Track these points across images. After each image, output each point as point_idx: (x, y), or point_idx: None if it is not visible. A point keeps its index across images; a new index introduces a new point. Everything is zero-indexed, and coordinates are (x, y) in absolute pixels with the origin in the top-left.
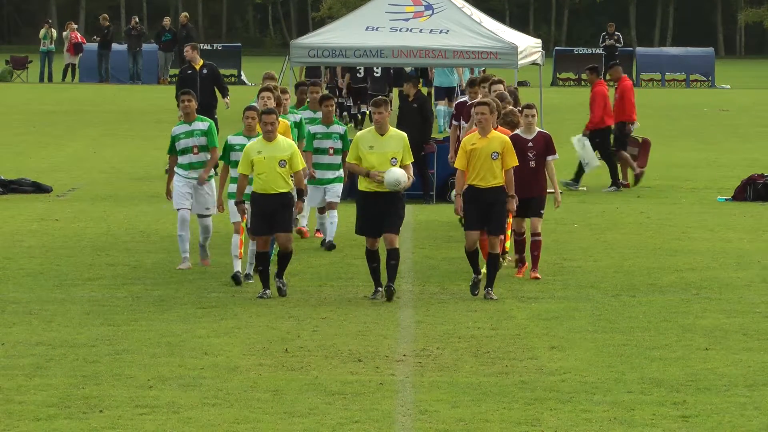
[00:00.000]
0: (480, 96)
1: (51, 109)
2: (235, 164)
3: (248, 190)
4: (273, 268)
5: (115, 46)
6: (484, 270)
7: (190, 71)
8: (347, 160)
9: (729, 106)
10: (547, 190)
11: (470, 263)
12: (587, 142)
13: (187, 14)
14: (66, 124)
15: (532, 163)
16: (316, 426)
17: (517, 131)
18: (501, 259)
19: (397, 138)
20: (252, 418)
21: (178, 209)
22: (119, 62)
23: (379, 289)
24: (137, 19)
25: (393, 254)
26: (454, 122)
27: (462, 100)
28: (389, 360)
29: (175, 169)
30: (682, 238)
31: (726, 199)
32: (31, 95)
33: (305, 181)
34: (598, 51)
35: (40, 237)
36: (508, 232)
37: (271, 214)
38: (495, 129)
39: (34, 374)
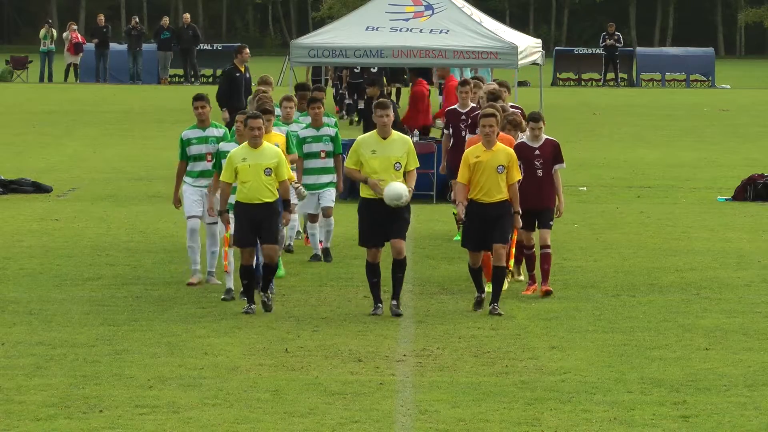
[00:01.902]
0: (460, 99)
1: (51, 109)
2: None
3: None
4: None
5: (115, 45)
6: (488, 289)
7: (238, 74)
8: (346, 164)
9: (729, 106)
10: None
11: (474, 280)
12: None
13: (188, 15)
14: (66, 124)
15: (540, 172)
16: (317, 426)
17: (523, 139)
18: (506, 275)
19: (401, 142)
20: (252, 418)
21: (189, 217)
22: (119, 62)
23: (380, 305)
24: (137, 19)
25: (400, 265)
26: (445, 131)
27: (452, 107)
28: (389, 360)
29: (184, 177)
30: (682, 238)
31: (726, 199)
32: (31, 95)
33: (303, 191)
34: (598, 51)
35: (40, 237)
36: (512, 250)
37: (257, 224)
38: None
39: (34, 374)
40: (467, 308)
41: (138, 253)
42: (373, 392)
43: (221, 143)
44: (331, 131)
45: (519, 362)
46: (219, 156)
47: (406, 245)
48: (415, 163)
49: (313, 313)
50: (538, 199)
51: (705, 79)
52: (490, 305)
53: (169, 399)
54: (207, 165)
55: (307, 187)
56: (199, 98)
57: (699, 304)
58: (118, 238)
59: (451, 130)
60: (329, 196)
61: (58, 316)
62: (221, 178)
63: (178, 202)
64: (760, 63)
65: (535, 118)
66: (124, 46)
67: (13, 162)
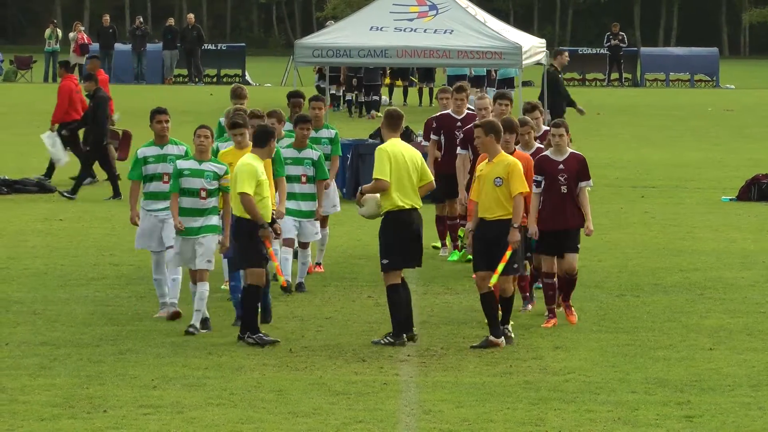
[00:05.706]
0: (449, 103)
1: None
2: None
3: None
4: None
5: (119, 46)
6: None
7: None
8: (374, 176)
9: (733, 106)
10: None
11: (485, 314)
12: (57, 139)
13: (192, 15)
14: None
15: (564, 189)
16: (321, 426)
17: (546, 152)
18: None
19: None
20: (256, 418)
21: (153, 252)
22: (123, 62)
23: (403, 336)
24: (141, 19)
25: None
26: (433, 137)
27: (446, 112)
28: (393, 360)
29: (141, 201)
30: (687, 238)
31: (730, 199)
32: (35, 95)
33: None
34: (602, 51)
35: (44, 237)
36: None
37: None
38: (513, 152)
39: (39, 374)
40: (471, 308)
41: (142, 253)
42: (377, 392)
43: (178, 161)
44: (314, 154)
45: (523, 362)
46: (175, 174)
47: None
48: (429, 176)
49: (317, 313)
50: (562, 219)
51: (709, 79)
52: (501, 326)
53: (173, 399)
54: (163, 186)
55: (287, 212)
56: (160, 112)
57: (703, 304)
58: (122, 238)
59: (443, 137)
60: (310, 230)
61: (63, 316)
62: (170, 189)
63: (136, 218)
64: (764, 63)
65: (557, 123)
66: (128, 46)
67: (17, 162)
